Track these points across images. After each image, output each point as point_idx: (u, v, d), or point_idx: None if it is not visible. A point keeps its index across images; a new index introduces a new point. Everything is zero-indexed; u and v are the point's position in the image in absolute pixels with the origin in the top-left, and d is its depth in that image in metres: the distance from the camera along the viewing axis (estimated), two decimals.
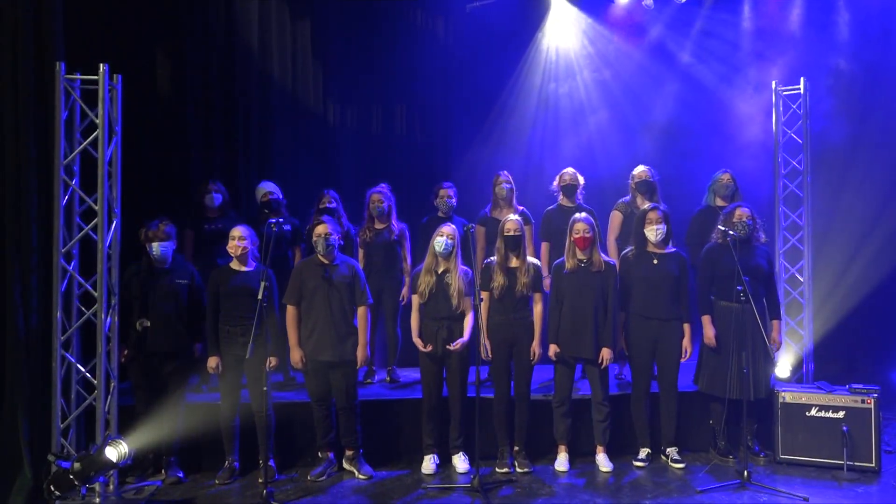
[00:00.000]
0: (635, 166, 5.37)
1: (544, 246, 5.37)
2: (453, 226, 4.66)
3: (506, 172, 5.46)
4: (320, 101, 6.46)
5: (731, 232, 4.55)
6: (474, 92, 6.67)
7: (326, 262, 4.51)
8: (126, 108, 4.49)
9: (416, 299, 4.61)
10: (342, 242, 4.74)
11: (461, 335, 4.51)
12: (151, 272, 4.48)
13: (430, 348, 4.49)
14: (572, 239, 4.58)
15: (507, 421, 4.66)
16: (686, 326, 4.64)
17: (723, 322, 4.64)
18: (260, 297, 4.08)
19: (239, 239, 4.49)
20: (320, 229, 4.49)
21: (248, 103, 6.23)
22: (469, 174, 6.36)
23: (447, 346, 4.47)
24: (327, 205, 5.31)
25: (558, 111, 6.78)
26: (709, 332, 4.65)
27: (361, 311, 4.52)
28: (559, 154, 6.49)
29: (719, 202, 5.24)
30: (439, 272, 4.54)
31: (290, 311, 4.51)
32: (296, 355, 4.49)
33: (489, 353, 4.52)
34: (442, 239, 4.51)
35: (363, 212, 5.42)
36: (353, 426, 4.55)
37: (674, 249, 4.72)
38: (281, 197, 5.40)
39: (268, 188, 5.37)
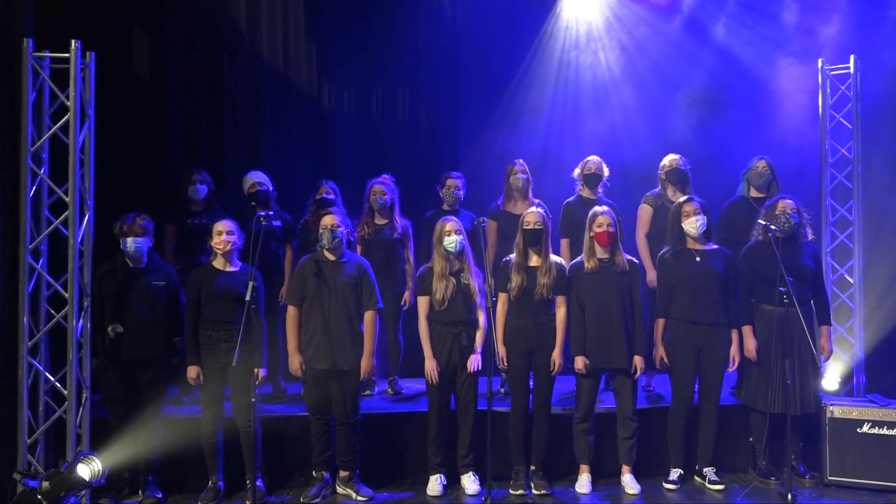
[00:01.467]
0: (663, 155, 5.36)
1: (564, 243, 5.35)
2: (457, 219, 4.65)
3: (521, 161, 5.44)
4: (314, 84, 6.45)
5: (772, 226, 4.52)
6: (485, 72, 6.63)
7: (332, 258, 4.49)
8: (101, 90, 4.50)
9: (423, 306, 4.58)
10: (352, 238, 4.71)
11: (472, 342, 4.52)
12: (126, 271, 4.47)
13: (437, 371, 4.48)
14: (593, 234, 4.55)
15: (523, 437, 4.64)
16: (734, 333, 4.62)
17: (765, 328, 4.61)
18: (248, 297, 4.08)
19: (226, 233, 4.47)
20: (326, 220, 4.46)
21: (235, 86, 6.23)
22: (478, 163, 6.37)
23: (466, 367, 4.46)
24: (324, 196, 5.32)
25: (579, 92, 6.74)
26: (749, 344, 4.62)
27: (369, 315, 4.50)
28: (579, 140, 6.45)
29: (754, 193, 5.21)
30: (454, 272, 4.52)
31: (291, 312, 4.50)
32: (295, 361, 4.48)
33: (504, 361, 4.49)
34: (453, 237, 4.50)
35: (362, 205, 5.42)
36: (351, 444, 4.54)
37: (717, 246, 4.70)
38: (271, 188, 5.40)
39: (256, 178, 5.36)
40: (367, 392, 5.38)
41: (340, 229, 4.46)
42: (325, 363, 4.43)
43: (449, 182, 5.46)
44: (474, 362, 4.48)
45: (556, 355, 4.55)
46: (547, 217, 4.80)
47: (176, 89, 6.10)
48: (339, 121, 6.53)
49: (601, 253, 4.57)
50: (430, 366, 4.51)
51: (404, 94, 6.64)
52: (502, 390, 5.32)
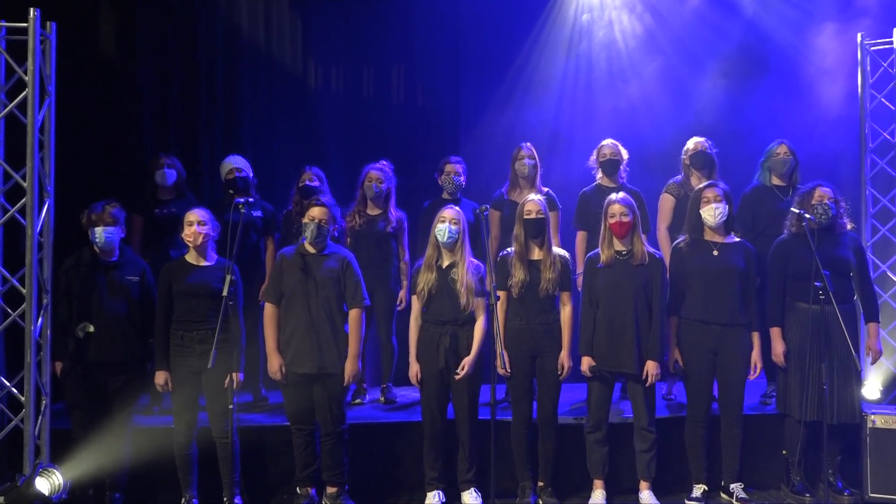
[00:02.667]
0: (685, 138, 5.36)
1: (580, 236, 5.35)
2: (457, 208, 4.64)
3: (529, 145, 5.44)
4: (299, 61, 6.47)
5: (806, 215, 4.51)
6: (488, 46, 6.63)
7: (313, 251, 4.49)
8: (62, 64, 4.50)
9: (416, 304, 4.59)
10: (336, 233, 4.73)
11: (468, 344, 4.50)
12: (96, 266, 4.45)
13: (419, 377, 4.49)
14: (608, 224, 4.54)
15: (529, 449, 4.63)
16: (755, 335, 4.61)
17: (799, 328, 4.60)
18: (225, 292, 4.07)
19: (198, 224, 4.45)
20: (315, 212, 4.46)
21: (210, 62, 6.24)
22: (481, 147, 6.37)
23: (457, 370, 4.44)
24: (307, 182, 5.32)
25: (592, 70, 6.72)
26: (777, 347, 4.62)
27: (354, 314, 4.51)
28: (594, 123, 6.46)
29: (776, 181, 5.21)
30: (444, 266, 4.52)
31: (269, 310, 4.50)
32: (274, 363, 4.47)
33: (507, 366, 4.49)
34: (444, 226, 4.49)
35: (354, 191, 5.41)
36: (338, 457, 4.52)
37: (738, 239, 4.69)
38: (251, 175, 5.40)
39: (235, 163, 5.34)
40: (358, 401, 5.39)
41: (328, 226, 4.47)
42: (307, 366, 4.42)
43: (448, 168, 5.44)
44: (468, 367, 4.46)
45: (564, 357, 4.54)
46: (552, 208, 4.80)
47: (145, 65, 6.10)
48: (326, 101, 6.54)
49: (618, 244, 4.56)
50: (413, 370, 4.53)
51: (398, 71, 6.64)
52: (507, 399, 5.32)
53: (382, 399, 5.43)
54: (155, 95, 6.13)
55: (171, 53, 6.18)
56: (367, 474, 4.76)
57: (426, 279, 4.51)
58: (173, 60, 6.18)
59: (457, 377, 4.46)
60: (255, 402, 5.35)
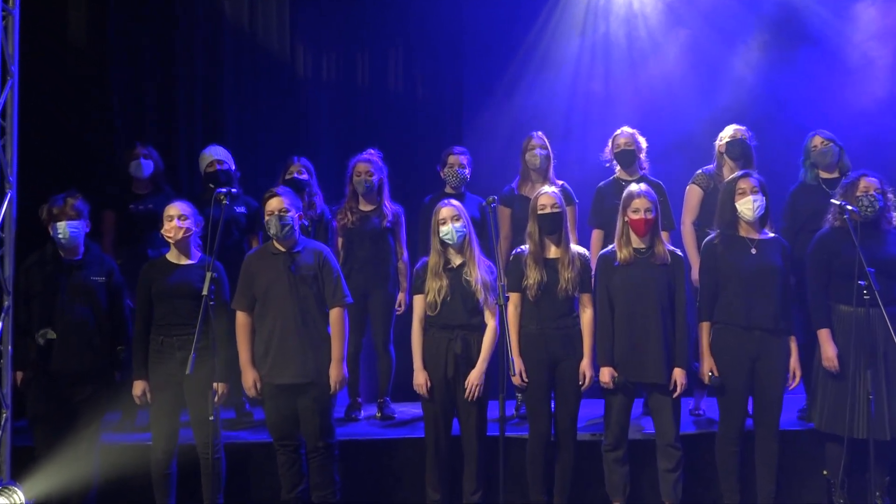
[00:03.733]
0: (716, 123, 5.41)
1: (596, 235, 5.34)
2: (455, 202, 4.62)
3: (540, 134, 5.43)
4: (287, 46, 6.49)
5: (849, 207, 4.47)
6: (494, 26, 6.64)
7: (283, 248, 4.47)
8: (26, 44, 4.55)
9: (418, 306, 4.56)
10: (305, 222, 4.72)
11: (481, 349, 4.47)
12: (58, 264, 4.43)
13: (427, 385, 4.47)
14: (627, 219, 4.51)
15: (543, 469, 4.58)
16: (793, 340, 4.56)
17: (843, 333, 4.55)
18: (205, 291, 4.03)
19: (179, 218, 4.44)
20: (272, 204, 4.43)
21: (189, 46, 6.25)
22: (486, 137, 6.38)
23: (468, 382, 4.41)
24: (296, 175, 5.30)
25: (610, 49, 6.73)
26: (828, 350, 4.55)
27: (336, 313, 4.48)
28: (612, 108, 6.47)
29: (823, 174, 5.20)
30: (454, 268, 4.51)
31: (241, 318, 4.49)
32: (248, 378, 4.46)
33: (522, 376, 4.46)
34: (448, 227, 4.47)
35: (344, 188, 5.40)
36: (328, 475, 4.48)
37: (774, 235, 4.67)
38: (233, 167, 5.40)
39: (216, 154, 5.34)
40: (352, 416, 5.37)
41: (291, 213, 4.43)
42: (287, 376, 4.39)
43: (451, 159, 5.43)
44: (475, 379, 4.43)
45: (586, 365, 4.51)
46: (569, 203, 4.76)
47: (119, 47, 6.11)
48: (316, 88, 6.55)
49: (637, 242, 4.52)
50: (420, 379, 4.49)
51: (396, 58, 6.67)
52: (517, 415, 5.32)
53: (379, 415, 5.41)
54: (129, 80, 6.14)
55: (147, 35, 6.20)
56: (363, 496, 4.74)
57: (436, 287, 4.47)
58: (149, 42, 6.20)
59: (470, 388, 4.42)
60: (239, 417, 5.33)
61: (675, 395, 4.45)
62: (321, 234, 5.30)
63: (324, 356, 4.44)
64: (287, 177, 5.31)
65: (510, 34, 6.65)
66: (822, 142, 5.15)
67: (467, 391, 4.41)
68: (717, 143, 5.31)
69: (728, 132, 5.29)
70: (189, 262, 4.47)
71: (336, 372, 4.43)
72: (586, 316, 4.55)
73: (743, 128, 5.28)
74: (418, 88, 6.62)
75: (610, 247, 4.62)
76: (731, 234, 4.60)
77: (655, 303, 4.44)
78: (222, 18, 6.32)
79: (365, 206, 5.35)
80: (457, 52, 6.62)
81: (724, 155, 5.26)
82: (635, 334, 4.46)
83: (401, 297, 5.37)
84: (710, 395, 5.12)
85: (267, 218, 4.43)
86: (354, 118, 6.53)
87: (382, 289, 5.33)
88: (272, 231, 4.42)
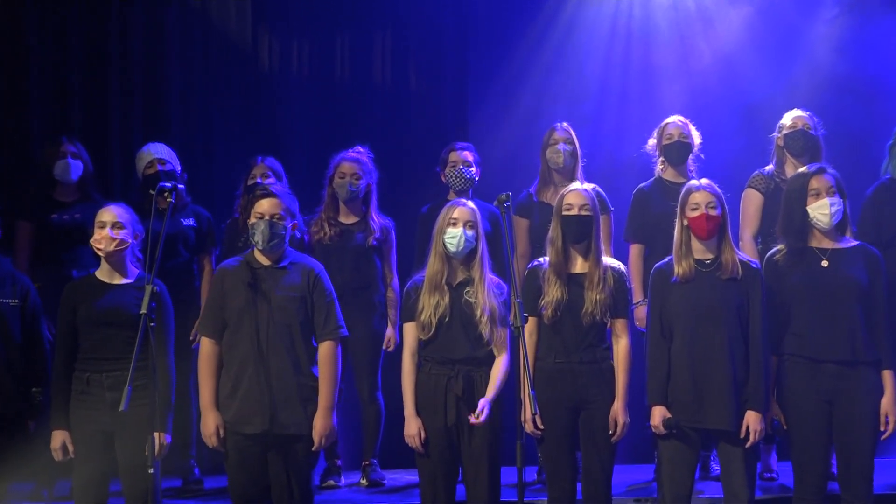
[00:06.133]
0: (780, 109, 5.41)
1: (635, 251, 5.33)
2: (472, 205, 4.57)
3: (565, 126, 5.47)
4: (248, 32, 6.59)
5: None
6: (503, 8, 6.72)
7: (266, 262, 4.41)
8: None
9: (409, 335, 4.49)
10: (297, 234, 4.70)
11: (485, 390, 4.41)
12: None
13: (422, 437, 4.37)
14: (687, 221, 4.43)
15: None
16: (888, 374, 4.45)
17: None
18: (144, 309, 3.94)
19: (113, 226, 4.35)
20: (264, 205, 4.35)
21: (123, 27, 6.34)
22: (494, 134, 6.41)
23: (471, 417, 4.33)
24: (259, 180, 5.31)
25: (634, 35, 6.77)
26: None
27: (326, 348, 4.40)
28: (651, 95, 6.52)
29: None
30: (454, 285, 4.46)
31: (206, 347, 4.40)
32: (210, 422, 4.34)
33: (538, 424, 4.36)
34: (458, 231, 4.40)
35: (321, 191, 5.42)
36: None
37: (857, 243, 4.60)
38: (179, 169, 5.42)
39: (156, 153, 5.37)
40: (330, 482, 5.32)
41: (284, 222, 4.38)
42: (257, 424, 4.29)
43: (454, 157, 5.47)
44: (486, 410, 4.32)
45: (618, 410, 4.40)
46: (604, 210, 4.80)
47: (38, 23, 6.19)
48: (284, 85, 6.65)
49: (700, 251, 4.44)
50: (412, 428, 4.38)
51: (383, 47, 6.74)
52: (538, 479, 5.28)
53: (365, 481, 5.40)
54: (50, 66, 6.22)
55: (73, 14, 6.27)
56: None
57: (432, 304, 4.40)
58: (75, 23, 6.27)
59: (472, 421, 4.30)
60: (185, 486, 5.32)
61: (748, 444, 4.33)
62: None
63: (305, 401, 4.35)
64: (250, 181, 5.34)
65: (522, 16, 6.69)
66: None
67: (476, 412, 4.29)
68: (776, 133, 5.30)
69: (788, 120, 5.28)
70: (125, 280, 4.40)
71: (322, 423, 4.32)
72: (620, 347, 4.46)
73: (806, 114, 5.27)
74: (412, 83, 6.70)
75: (668, 258, 4.54)
76: (800, 245, 4.52)
77: (724, 328, 4.35)
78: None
79: (346, 218, 5.34)
80: (461, 31, 6.71)
81: (785, 149, 5.25)
82: (697, 368, 4.36)
83: (389, 332, 5.34)
84: (766, 443, 5.06)
85: (253, 221, 4.35)
86: (332, 118, 6.60)
87: (366, 323, 5.31)
88: (256, 239, 4.35)
